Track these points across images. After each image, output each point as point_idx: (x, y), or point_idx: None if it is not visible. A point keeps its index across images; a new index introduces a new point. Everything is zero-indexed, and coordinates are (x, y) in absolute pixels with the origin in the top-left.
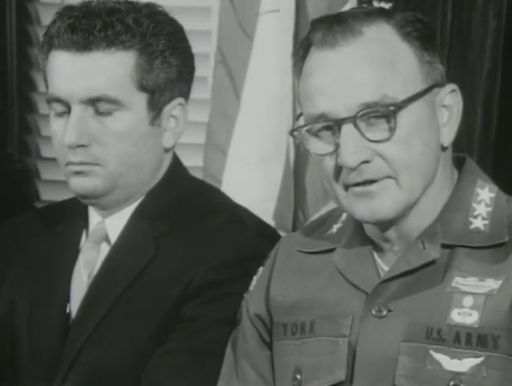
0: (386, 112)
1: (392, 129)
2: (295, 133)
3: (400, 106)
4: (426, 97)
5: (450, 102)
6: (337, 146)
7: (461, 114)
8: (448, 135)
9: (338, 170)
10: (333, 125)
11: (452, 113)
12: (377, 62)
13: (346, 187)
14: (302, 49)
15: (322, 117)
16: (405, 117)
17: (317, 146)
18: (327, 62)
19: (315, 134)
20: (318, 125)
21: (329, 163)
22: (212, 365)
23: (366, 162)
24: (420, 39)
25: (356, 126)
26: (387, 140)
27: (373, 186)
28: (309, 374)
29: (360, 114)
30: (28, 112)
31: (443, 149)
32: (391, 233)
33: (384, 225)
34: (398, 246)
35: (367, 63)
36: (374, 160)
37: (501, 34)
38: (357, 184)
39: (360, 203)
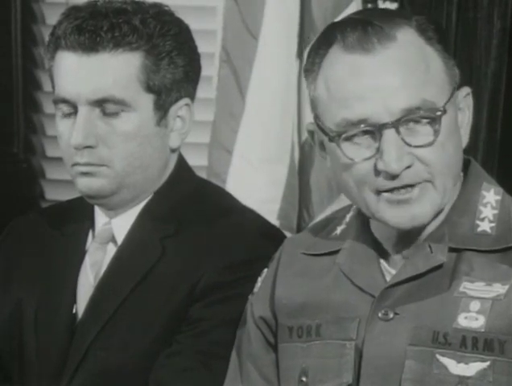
0: (431, 116)
1: (436, 134)
2: (335, 139)
3: (445, 110)
4: (452, 100)
5: (464, 105)
6: (376, 151)
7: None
8: (464, 138)
9: (373, 174)
10: (374, 130)
11: (465, 116)
12: (413, 66)
13: (377, 192)
14: (318, 50)
15: (362, 122)
16: (444, 122)
17: (352, 151)
18: (363, 66)
19: (349, 139)
20: (356, 130)
21: (363, 168)
22: (218, 367)
23: (408, 167)
24: (441, 42)
25: (397, 132)
26: (430, 144)
27: (412, 192)
28: (315, 377)
29: (404, 119)
30: (33, 111)
31: None
32: (405, 235)
33: (414, 230)
34: (404, 247)
35: (405, 68)
36: (415, 165)
37: (507, 35)
38: (392, 189)
39: (396, 210)
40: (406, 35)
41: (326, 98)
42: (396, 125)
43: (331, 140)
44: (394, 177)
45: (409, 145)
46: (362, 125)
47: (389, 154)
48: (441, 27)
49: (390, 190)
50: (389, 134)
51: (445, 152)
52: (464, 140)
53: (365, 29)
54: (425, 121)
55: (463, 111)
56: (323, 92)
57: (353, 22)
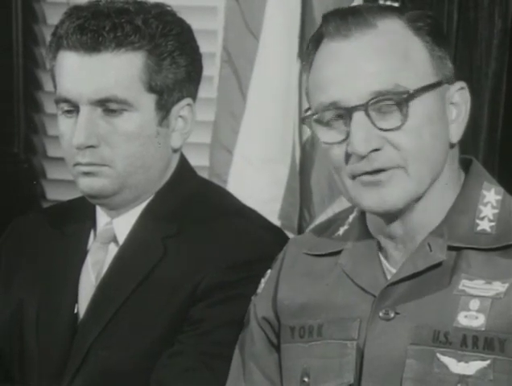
0: (398, 99)
1: (404, 118)
2: (307, 120)
3: (412, 95)
4: (437, 91)
5: (458, 100)
6: (348, 135)
7: (469, 113)
8: (456, 132)
9: (347, 158)
10: (344, 113)
11: (461, 111)
12: (390, 53)
13: (353, 177)
14: (313, 42)
15: (333, 105)
16: (417, 107)
17: (327, 135)
18: (340, 52)
19: (326, 123)
20: (329, 114)
21: (338, 152)
22: (220, 367)
23: (377, 150)
24: (431, 34)
25: (367, 114)
26: (398, 128)
27: (382, 175)
28: (317, 377)
29: (372, 102)
30: (34, 111)
31: (451, 146)
32: (397, 228)
33: (390, 217)
34: (404, 246)
35: (380, 54)
36: (385, 148)
37: (508, 35)
38: (366, 173)
39: (368, 193)
40: (390, 25)
41: (310, 86)
42: (365, 107)
43: (307, 124)
44: (362, 158)
45: (379, 128)
46: (333, 108)
47: (355, 136)
48: (436, 22)
49: (365, 174)
50: (357, 117)
51: (420, 139)
52: (458, 134)
53: (345, 17)
54: (395, 105)
55: (458, 106)
56: (309, 81)
57: (337, 12)
